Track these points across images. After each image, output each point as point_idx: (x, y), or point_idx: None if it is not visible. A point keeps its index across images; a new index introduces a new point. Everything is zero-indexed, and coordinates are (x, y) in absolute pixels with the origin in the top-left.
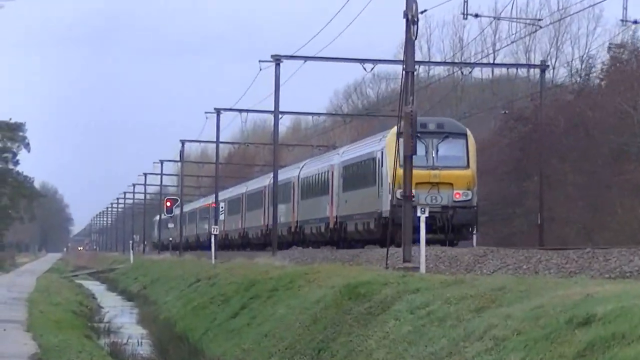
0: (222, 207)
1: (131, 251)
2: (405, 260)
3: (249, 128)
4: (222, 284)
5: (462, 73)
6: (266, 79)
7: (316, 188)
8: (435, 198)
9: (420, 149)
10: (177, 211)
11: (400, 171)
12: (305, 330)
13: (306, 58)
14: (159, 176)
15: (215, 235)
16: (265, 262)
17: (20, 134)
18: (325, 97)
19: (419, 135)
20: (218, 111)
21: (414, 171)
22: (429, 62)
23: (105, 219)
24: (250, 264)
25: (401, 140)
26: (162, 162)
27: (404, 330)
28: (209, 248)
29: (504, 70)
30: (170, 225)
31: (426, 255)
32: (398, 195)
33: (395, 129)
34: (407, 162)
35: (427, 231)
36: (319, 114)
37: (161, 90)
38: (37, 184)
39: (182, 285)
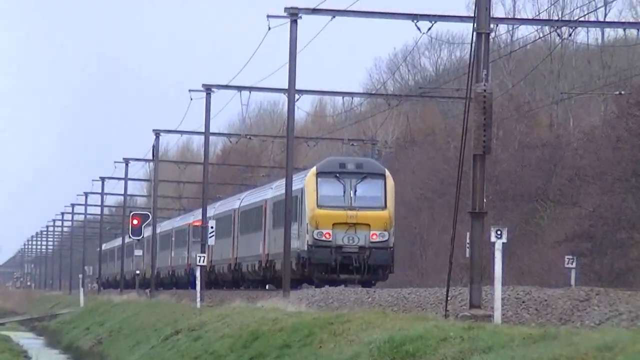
0: (211, 228)
1: (81, 289)
2: (474, 305)
3: (253, 114)
4: (210, 338)
5: (559, 36)
6: (277, 45)
7: (251, 223)
8: (352, 239)
9: (339, 189)
10: (147, 232)
11: (317, 211)
12: None
13: (334, 12)
14: (122, 182)
15: (201, 267)
16: (273, 307)
17: None
18: (362, 71)
19: (337, 175)
20: (208, 89)
21: (332, 211)
22: (513, 20)
23: (43, 243)
24: (252, 308)
25: (320, 180)
26: (126, 161)
27: None
28: (192, 285)
29: (619, 31)
30: (138, 253)
31: (504, 299)
32: (316, 236)
33: (314, 168)
34: (479, 162)
35: (344, 271)
36: (352, 94)
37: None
38: None
39: (153, 338)
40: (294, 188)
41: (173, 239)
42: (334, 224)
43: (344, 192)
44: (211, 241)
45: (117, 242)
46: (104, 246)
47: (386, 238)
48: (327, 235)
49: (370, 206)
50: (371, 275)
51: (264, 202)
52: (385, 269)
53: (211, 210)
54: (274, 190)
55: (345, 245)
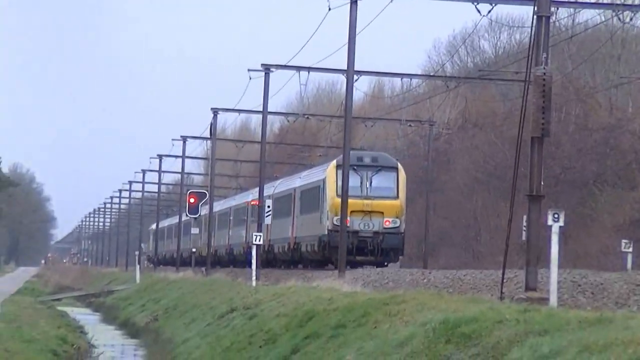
0: (268, 206)
1: (137, 266)
2: (529, 288)
3: (311, 94)
4: (265, 317)
5: (621, 20)
6: (336, 26)
7: (283, 209)
8: (367, 224)
9: (356, 180)
10: (203, 210)
11: (337, 200)
12: None
13: None
14: (180, 159)
15: (257, 246)
16: (329, 286)
17: None
18: (421, 53)
19: (355, 167)
20: (267, 69)
21: (350, 200)
22: (574, 4)
23: (100, 220)
24: (307, 288)
25: (339, 172)
26: (184, 139)
27: None
28: (248, 264)
29: None
30: (195, 231)
31: (559, 282)
32: (335, 222)
33: (335, 161)
34: (537, 144)
35: (360, 254)
36: (410, 76)
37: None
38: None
39: (209, 316)
40: (316, 179)
41: (231, 217)
42: (351, 212)
43: (361, 183)
44: (268, 220)
45: (174, 219)
46: (160, 224)
47: (398, 224)
48: (346, 222)
49: (384, 196)
50: (384, 257)
51: (293, 190)
52: (397, 252)
53: (226, 203)
54: (302, 179)
55: (362, 230)
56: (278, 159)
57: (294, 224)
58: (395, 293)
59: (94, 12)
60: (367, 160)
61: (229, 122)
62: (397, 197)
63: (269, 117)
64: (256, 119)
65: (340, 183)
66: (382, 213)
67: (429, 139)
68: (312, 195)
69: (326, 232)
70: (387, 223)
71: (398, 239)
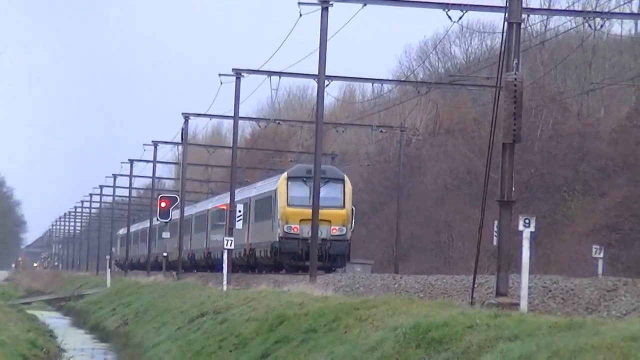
0: (239, 211)
1: (108, 270)
2: (500, 293)
3: (282, 99)
4: (236, 321)
5: (592, 27)
6: (307, 32)
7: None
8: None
9: (305, 191)
10: (174, 215)
11: (287, 209)
12: None
13: (366, 0)
14: (151, 164)
15: (229, 250)
16: (300, 291)
17: None
18: (392, 59)
19: (304, 179)
20: (238, 73)
21: (300, 209)
22: (544, 10)
23: (70, 224)
24: (278, 292)
25: (290, 183)
26: (155, 144)
27: None
28: (218, 269)
29: None
30: (166, 235)
31: (530, 287)
32: (285, 229)
33: (285, 173)
34: (508, 150)
35: (308, 259)
36: (382, 81)
37: (154, 46)
38: None
39: (179, 320)
40: (269, 189)
41: (192, 223)
42: (301, 220)
43: (310, 193)
44: (238, 225)
45: (145, 224)
46: (131, 228)
47: (344, 232)
48: (295, 229)
49: (331, 205)
50: (332, 262)
51: (248, 199)
52: (343, 258)
53: (192, 209)
54: (257, 189)
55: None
56: (249, 164)
57: (249, 231)
58: (366, 298)
59: (72, 12)
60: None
61: (200, 127)
62: (344, 206)
63: (241, 122)
64: (227, 124)
65: (292, 194)
66: (330, 222)
67: (400, 145)
68: (266, 205)
69: (277, 239)
70: (334, 231)
71: (344, 245)
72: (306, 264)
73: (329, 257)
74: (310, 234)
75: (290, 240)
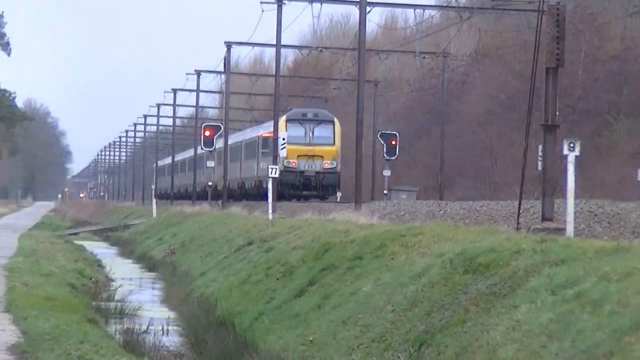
0: (283, 139)
1: (154, 200)
2: (546, 218)
3: (324, 27)
4: (282, 249)
5: None
6: None
7: (253, 152)
8: (310, 166)
9: (301, 131)
10: (218, 143)
11: (288, 147)
12: (400, 315)
13: None
14: (194, 93)
15: (274, 179)
16: (345, 219)
17: None
18: None
19: (300, 121)
20: (280, 1)
21: (297, 147)
22: None
23: (115, 154)
24: (323, 220)
25: (289, 124)
26: (198, 73)
27: (542, 318)
28: (264, 197)
29: None
30: (210, 164)
31: (576, 212)
32: (285, 164)
33: (284, 116)
34: (551, 75)
35: (305, 189)
36: (424, 7)
37: None
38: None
39: (225, 249)
40: (267, 131)
41: (242, 151)
42: (298, 156)
43: (305, 133)
44: (282, 153)
45: (187, 154)
46: (176, 157)
47: (334, 166)
48: (293, 164)
49: (323, 143)
50: (324, 192)
51: (257, 137)
52: (334, 188)
53: (239, 137)
54: (263, 129)
55: (306, 170)
56: (292, 92)
57: (258, 165)
58: (411, 225)
59: None
60: (309, 116)
61: (242, 56)
62: (334, 144)
63: (283, 50)
64: (270, 52)
65: (289, 133)
66: (322, 157)
67: (443, 71)
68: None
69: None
70: (326, 164)
71: (335, 177)
72: (303, 193)
73: (322, 187)
74: (306, 168)
75: (289, 173)
